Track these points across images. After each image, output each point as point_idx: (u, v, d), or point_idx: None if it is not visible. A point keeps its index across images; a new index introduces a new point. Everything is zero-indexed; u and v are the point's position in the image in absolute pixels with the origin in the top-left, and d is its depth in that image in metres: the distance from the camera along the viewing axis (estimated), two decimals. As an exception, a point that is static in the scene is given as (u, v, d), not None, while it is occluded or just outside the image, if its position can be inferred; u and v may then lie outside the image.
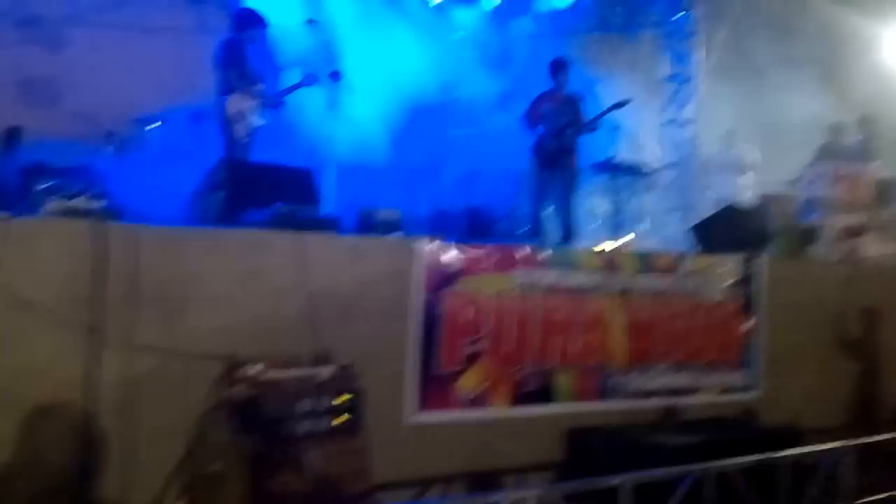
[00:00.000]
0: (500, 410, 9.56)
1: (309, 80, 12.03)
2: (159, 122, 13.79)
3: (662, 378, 10.80)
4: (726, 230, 12.26)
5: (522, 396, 9.73)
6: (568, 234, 13.14)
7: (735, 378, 11.46)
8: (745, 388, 11.53)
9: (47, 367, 7.25)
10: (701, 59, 18.33)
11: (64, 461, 7.30)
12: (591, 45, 19.70)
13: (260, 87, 11.98)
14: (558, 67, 13.71)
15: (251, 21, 12.14)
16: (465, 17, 19.13)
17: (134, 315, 7.54)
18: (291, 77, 12.65)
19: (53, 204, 7.86)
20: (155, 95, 14.06)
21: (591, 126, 13.48)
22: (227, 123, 11.73)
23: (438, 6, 18.68)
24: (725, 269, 11.45)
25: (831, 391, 12.40)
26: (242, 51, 11.98)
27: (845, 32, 19.09)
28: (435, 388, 9.11)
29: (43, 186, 8.16)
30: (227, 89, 11.75)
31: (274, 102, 12.13)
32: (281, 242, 8.37)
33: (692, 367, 11.04)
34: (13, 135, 12.89)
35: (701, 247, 12.29)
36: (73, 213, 7.76)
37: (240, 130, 11.74)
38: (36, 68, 14.27)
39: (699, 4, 18.21)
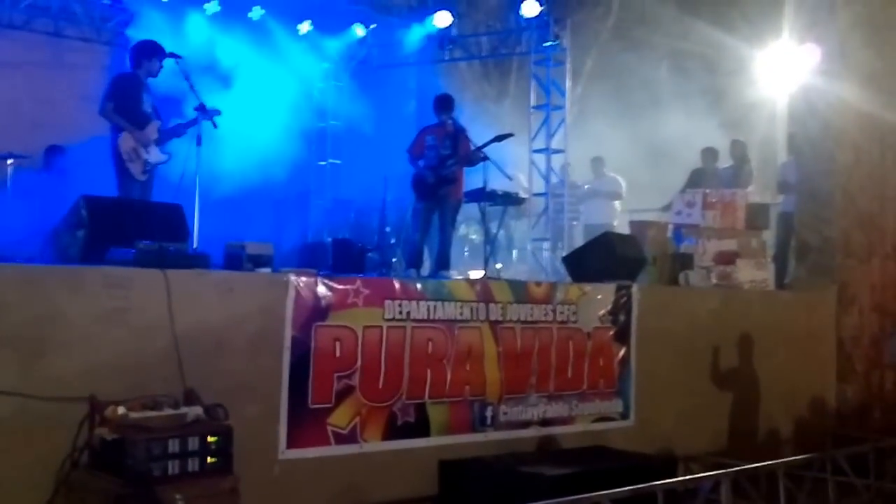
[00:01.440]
0: (373, 445, 9.46)
1: (207, 115, 11.67)
2: (12, 161, 13.44)
3: (537, 408, 10.78)
4: (599, 258, 12.27)
5: (396, 430, 9.64)
6: (443, 265, 13.11)
7: (610, 406, 11.48)
8: (619, 417, 11.55)
9: None
10: (570, 87, 18.39)
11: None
12: (459, 73, 19.78)
13: (157, 122, 11.81)
14: (443, 104, 13.68)
15: (154, 52, 11.94)
16: (333, 47, 19.11)
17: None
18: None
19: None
20: (11, 131, 13.79)
21: (474, 158, 13.41)
22: (120, 161, 11.53)
23: (307, 36, 18.62)
24: (599, 297, 11.47)
25: (706, 417, 12.48)
26: (140, 85, 11.83)
27: (721, 56, 19.37)
28: (307, 423, 8.98)
29: None
30: (120, 126, 11.55)
31: (173, 135, 11.94)
32: (146, 280, 8.15)
33: (567, 397, 11.03)
34: None
35: (574, 275, 12.29)
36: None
37: (135, 168, 11.57)
38: None
39: (568, 33, 18.26)
